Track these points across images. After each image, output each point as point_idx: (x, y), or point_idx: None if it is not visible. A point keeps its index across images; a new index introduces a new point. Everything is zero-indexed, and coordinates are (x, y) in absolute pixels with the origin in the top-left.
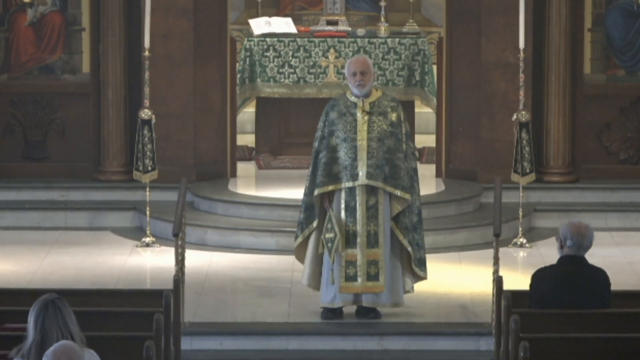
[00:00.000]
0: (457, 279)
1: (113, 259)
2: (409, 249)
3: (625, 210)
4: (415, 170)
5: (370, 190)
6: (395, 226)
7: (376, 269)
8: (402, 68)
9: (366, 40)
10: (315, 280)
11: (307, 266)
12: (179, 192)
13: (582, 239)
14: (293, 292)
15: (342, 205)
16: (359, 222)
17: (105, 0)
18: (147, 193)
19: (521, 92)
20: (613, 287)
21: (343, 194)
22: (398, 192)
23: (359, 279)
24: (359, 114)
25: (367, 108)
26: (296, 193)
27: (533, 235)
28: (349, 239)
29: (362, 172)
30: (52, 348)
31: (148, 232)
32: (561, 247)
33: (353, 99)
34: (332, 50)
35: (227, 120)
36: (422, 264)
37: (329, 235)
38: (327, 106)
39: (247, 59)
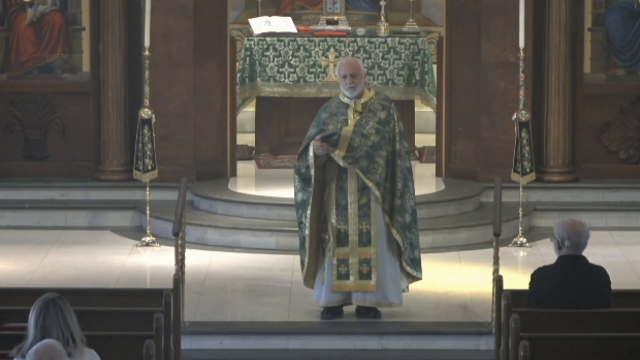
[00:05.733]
0: (457, 278)
1: (113, 258)
2: (402, 247)
3: (626, 210)
4: (409, 170)
5: (362, 189)
6: (391, 224)
7: (368, 267)
8: (402, 67)
9: (366, 39)
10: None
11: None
12: (179, 191)
13: (579, 237)
14: (293, 292)
15: (333, 201)
16: (350, 220)
17: None
18: (147, 192)
19: (521, 92)
20: (613, 287)
21: (334, 192)
22: (370, 184)
23: (351, 277)
24: (350, 114)
25: (359, 109)
26: None
27: (533, 234)
28: (340, 238)
29: (340, 158)
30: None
31: (148, 231)
32: (559, 247)
33: (345, 100)
34: (332, 49)
35: (227, 120)
36: (416, 263)
37: (324, 235)
38: (320, 109)
39: (247, 59)
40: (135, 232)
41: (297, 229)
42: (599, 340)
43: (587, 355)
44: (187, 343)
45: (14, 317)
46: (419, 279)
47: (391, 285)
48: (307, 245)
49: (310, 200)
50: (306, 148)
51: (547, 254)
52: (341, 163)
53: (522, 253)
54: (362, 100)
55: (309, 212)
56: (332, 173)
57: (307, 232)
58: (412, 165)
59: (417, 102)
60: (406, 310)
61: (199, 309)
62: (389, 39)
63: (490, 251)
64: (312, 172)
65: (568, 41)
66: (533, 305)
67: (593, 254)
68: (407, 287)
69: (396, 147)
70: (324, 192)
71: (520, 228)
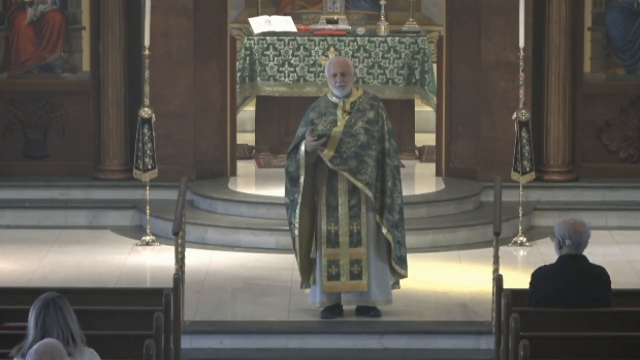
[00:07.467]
0: (457, 277)
1: (113, 257)
2: (392, 246)
3: (625, 209)
4: (397, 168)
5: (352, 190)
6: (381, 222)
7: (359, 267)
8: (402, 67)
9: (366, 39)
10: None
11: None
12: (179, 190)
13: (580, 237)
14: (293, 291)
15: (323, 202)
16: (341, 222)
17: None
18: (147, 192)
19: (521, 91)
20: (613, 286)
21: (324, 193)
22: (360, 185)
23: (342, 278)
24: (339, 114)
25: (348, 108)
26: None
27: (533, 234)
28: (331, 239)
29: (328, 159)
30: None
31: (148, 230)
32: (559, 246)
33: (334, 99)
34: (332, 48)
35: (227, 119)
36: (403, 262)
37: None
38: (308, 109)
39: (247, 58)
40: (135, 232)
41: None
42: (599, 340)
43: (587, 355)
44: (187, 342)
45: (14, 316)
46: (404, 276)
47: (376, 284)
48: (297, 246)
49: (299, 200)
50: (295, 147)
51: (547, 253)
52: (329, 165)
53: (522, 252)
54: (351, 99)
55: (298, 212)
56: (323, 174)
57: (296, 232)
58: (399, 163)
59: (417, 102)
60: (406, 309)
61: (199, 309)
62: (389, 38)
63: (490, 250)
64: (301, 172)
65: (568, 40)
66: (533, 305)
67: (593, 253)
68: (398, 282)
69: (385, 146)
70: (314, 193)
71: (520, 227)
